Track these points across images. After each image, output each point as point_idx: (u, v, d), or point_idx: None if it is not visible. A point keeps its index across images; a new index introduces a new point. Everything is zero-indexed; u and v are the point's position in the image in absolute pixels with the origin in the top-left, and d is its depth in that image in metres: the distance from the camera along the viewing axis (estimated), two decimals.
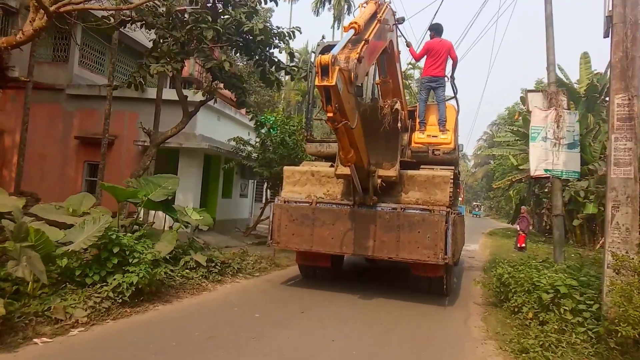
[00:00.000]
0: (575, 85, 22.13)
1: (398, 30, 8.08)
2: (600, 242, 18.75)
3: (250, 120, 14.15)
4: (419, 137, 9.18)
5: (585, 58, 21.81)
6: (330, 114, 5.51)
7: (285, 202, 8.14)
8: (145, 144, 13.54)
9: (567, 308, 5.93)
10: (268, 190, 16.80)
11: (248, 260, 10.24)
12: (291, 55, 11.98)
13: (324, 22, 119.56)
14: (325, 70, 5.23)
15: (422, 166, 8.52)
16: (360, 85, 10.00)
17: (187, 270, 8.09)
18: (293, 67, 11.61)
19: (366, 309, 7.14)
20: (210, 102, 12.58)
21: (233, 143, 15.83)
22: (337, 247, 7.62)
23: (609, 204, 5.57)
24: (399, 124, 7.39)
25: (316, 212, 7.83)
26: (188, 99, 11.96)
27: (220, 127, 16.59)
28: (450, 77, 9.58)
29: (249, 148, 16.18)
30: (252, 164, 15.57)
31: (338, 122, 5.70)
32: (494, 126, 61.78)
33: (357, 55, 5.67)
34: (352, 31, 5.97)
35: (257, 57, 11.22)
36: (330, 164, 8.79)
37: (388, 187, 7.69)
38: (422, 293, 8.21)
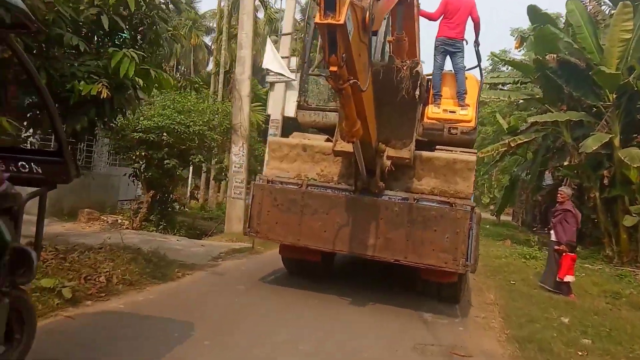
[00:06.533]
0: None
1: None
2: None
3: None
4: (433, 111, 7.62)
5: None
6: (334, 68, 3.90)
7: (268, 182, 6.59)
8: None
9: None
10: None
11: None
12: None
13: None
14: (330, 3, 3.62)
15: (437, 147, 7.01)
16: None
17: None
18: None
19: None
20: None
21: None
22: (330, 242, 6.12)
23: None
24: (418, 92, 5.80)
25: (307, 197, 6.29)
26: None
27: None
28: (475, 42, 8.01)
29: None
30: None
31: (344, 81, 4.11)
32: None
33: None
34: None
35: None
36: (326, 137, 7.23)
37: (397, 171, 6.16)
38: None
